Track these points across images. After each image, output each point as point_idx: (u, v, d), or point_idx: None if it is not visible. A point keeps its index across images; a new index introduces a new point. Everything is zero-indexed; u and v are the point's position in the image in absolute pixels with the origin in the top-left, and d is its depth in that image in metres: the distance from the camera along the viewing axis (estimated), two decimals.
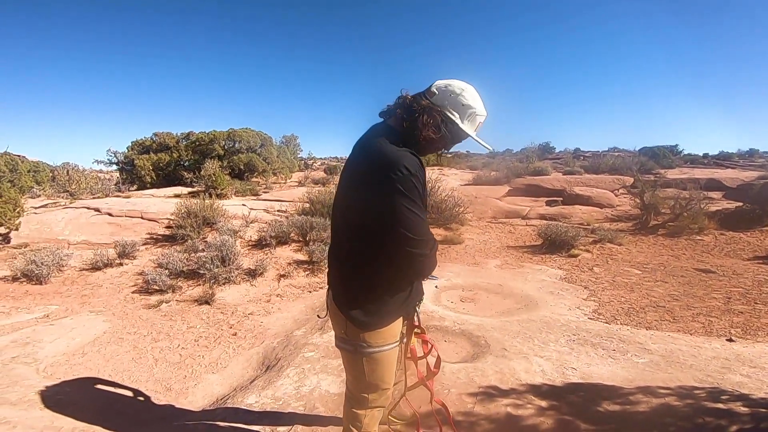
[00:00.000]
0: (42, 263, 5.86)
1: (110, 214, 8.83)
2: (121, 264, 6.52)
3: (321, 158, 37.61)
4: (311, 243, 6.92)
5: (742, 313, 4.57)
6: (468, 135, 1.46)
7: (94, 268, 6.32)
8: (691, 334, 3.96)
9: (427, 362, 1.79)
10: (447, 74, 1.48)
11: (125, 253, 6.68)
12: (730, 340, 3.77)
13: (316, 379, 2.72)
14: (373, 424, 1.66)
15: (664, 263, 6.94)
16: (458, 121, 1.43)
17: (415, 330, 1.69)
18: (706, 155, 26.78)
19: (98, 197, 11.87)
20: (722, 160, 23.89)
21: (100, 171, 22.26)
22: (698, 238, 8.48)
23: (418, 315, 1.67)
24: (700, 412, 2.21)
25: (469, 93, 1.44)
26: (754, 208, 9.29)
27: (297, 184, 16.24)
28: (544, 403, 2.35)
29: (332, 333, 3.54)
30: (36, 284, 5.68)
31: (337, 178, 16.53)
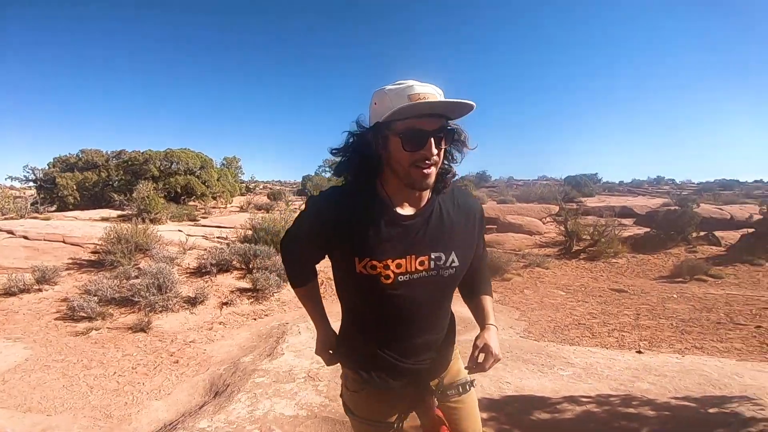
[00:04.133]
0: None
1: (26, 237, 8.06)
2: (40, 290, 6.04)
3: (264, 182, 36.81)
4: (255, 271, 6.79)
5: (648, 327, 5.20)
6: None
7: (8, 293, 5.81)
8: (607, 348, 4.45)
9: None
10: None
11: (45, 278, 6.17)
12: (639, 352, 4.29)
13: (270, 403, 2.74)
14: None
15: (585, 285, 7.66)
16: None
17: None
18: (621, 183, 29.79)
19: (11, 218, 10.79)
20: (635, 187, 26.79)
21: (11, 187, 20.29)
22: (614, 261, 9.44)
23: (434, 396, 1.24)
24: (616, 417, 2.54)
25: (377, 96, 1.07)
26: (659, 234, 10.58)
27: (238, 209, 15.73)
28: (484, 415, 2.56)
29: (282, 359, 3.59)
30: None
31: (281, 204, 16.25)
